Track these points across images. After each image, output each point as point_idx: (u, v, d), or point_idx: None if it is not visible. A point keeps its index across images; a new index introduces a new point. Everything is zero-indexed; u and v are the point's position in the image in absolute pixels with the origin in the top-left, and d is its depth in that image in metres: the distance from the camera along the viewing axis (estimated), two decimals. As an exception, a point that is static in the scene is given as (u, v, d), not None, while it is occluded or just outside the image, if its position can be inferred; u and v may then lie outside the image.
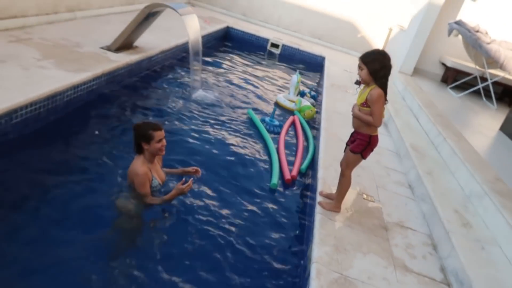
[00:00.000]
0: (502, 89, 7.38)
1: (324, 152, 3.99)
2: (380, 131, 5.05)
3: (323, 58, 9.16)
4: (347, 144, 3.02)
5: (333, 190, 3.18)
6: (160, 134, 2.85)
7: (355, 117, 2.88)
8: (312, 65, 9.13)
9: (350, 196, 3.30)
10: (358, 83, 7.75)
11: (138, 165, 2.85)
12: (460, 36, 6.50)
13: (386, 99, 2.74)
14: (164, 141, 2.89)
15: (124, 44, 5.20)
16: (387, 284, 2.44)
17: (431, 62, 7.90)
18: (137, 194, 2.87)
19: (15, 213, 2.61)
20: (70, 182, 3.02)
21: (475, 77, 6.95)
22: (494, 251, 2.75)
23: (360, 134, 2.85)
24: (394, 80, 7.19)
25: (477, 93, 7.11)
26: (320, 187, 3.30)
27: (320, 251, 2.53)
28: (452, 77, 7.43)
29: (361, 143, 2.84)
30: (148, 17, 5.08)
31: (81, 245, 2.46)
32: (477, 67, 6.78)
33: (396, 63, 7.73)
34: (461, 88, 7.18)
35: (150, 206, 2.90)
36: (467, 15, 7.29)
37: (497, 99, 7.06)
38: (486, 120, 5.92)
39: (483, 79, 6.79)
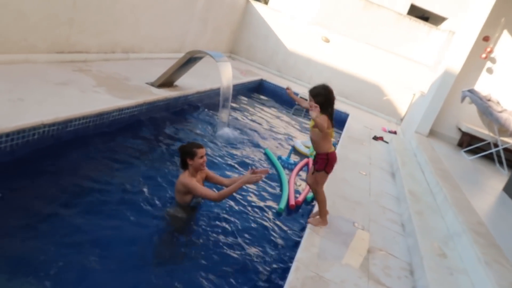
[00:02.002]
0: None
1: (327, 186, 4.42)
2: (386, 179, 5.51)
3: (347, 115, 9.75)
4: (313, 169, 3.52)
5: (328, 215, 3.62)
6: (202, 151, 3.45)
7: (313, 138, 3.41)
8: (336, 120, 9.68)
9: (340, 222, 3.71)
10: (375, 138, 8.28)
11: (186, 176, 3.43)
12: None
13: (332, 124, 3.32)
14: (205, 158, 3.49)
15: (166, 82, 6.04)
16: (358, 290, 2.80)
17: (448, 126, 8.30)
18: (181, 205, 3.47)
19: (59, 206, 3.20)
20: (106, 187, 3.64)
21: (489, 143, 7.27)
22: (461, 278, 3.05)
23: (319, 155, 3.40)
24: (410, 139, 7.63)
25: (491, 158, 7.39)
26: (315, 210, 3.74)
27: (302, 254, 2.95)
28: (467, 142, 7.77)
29: (322, 161, 3.37)
30: (189, 61, 5.92)
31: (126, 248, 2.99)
32: (491, 134, 7.12)
33: (413, 124, 8.21)
34: (474, 152, 7.49)
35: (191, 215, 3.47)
36: (484, 84, 7.79)
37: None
38: (492, 182, 6.18)
39: (497, 145, 7.10)
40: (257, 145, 6.08)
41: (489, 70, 7.84)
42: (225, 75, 6.04)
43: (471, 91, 6.87)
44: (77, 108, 4.11)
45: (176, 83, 6.43)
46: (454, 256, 3.39)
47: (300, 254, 2.96)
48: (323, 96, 3.22)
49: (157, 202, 3.59)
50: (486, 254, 3.15)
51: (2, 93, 3.78)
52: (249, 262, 3.19)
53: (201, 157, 3.43)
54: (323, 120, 3.19)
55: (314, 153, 3.51)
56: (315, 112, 3.06)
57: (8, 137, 3.28)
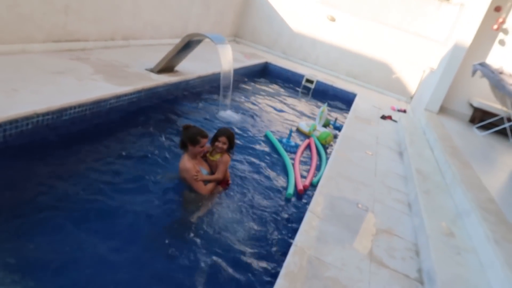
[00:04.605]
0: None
1: (330, 167, 4.33)
2: (394, 159, 5.35)
3: (354, 95, 9.53)
4: None
5: (330, 197, 3.50)
6: (204, 141, 3.44)
7: None
8: (344, 101, 9.51)
9: (343, 204, 3.60)
10: (384, 117, 8.10)
11: (185, 162, 3.44)
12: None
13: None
14: (205, 147, 3.52)
15: (166, 67, 5.93)
16: (359, 272, 2.70)
17: (460, 102, 8.04)
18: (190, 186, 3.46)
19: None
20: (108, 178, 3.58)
21: (502, 118, 7.02)
22: (469, 257, 2.93)
23: None
24: (419, 117, 7.41)
25: (505, 134, 7.15)
26: (317, 192, 3.63)
27: (301, 237, 2.86)
28: (479, 118, 7.53)
29: None
30: (188, 45, 5.80)
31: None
32: (504, 108, 6.87)
33: (423, 101, 7.98)
34: (487, 128, 7.25)
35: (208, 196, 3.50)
36: (497, 57, 7.49)
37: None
38: (505, 158, 5.97)
39: (510, 120, 6.85)
40: (259, 128, 5.97)
41: (502, 42, 7.52)
42: (225, 58, 5.90)
43: (482, 64, 6.61)
44: (72, 97, 4.04)
45: (177, 68, 6.32)
46: (462, 235, 3.26)
47: (299, 237, 2.86)
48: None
49: (157, 188, 3.52)
50: (495, 232, 3.01)
51: (-5, 84, 3.73)
52: (250, 247, 3.11)
53: (202, 146, 3.45)
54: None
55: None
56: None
57: (0, 128, 3.23)
